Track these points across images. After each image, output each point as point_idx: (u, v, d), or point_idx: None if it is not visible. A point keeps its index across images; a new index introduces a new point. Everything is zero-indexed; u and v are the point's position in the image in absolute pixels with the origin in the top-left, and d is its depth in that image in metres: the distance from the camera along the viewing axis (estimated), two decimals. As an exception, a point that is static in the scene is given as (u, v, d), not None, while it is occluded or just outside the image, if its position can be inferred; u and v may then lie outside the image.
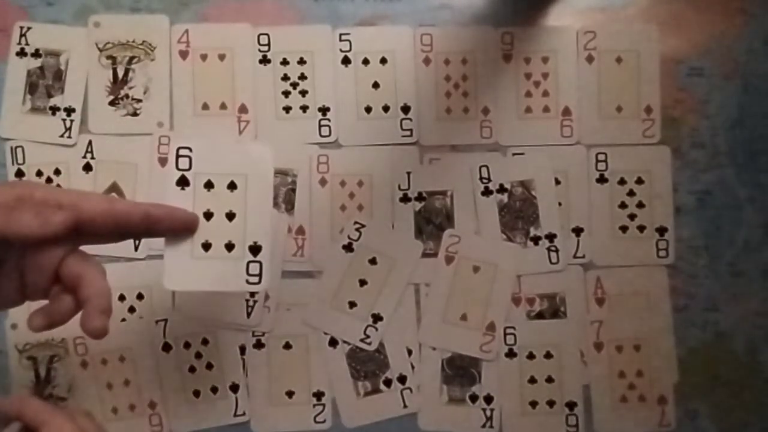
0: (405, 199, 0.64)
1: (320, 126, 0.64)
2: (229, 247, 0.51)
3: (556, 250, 0.64)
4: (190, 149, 0.51)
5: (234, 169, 0.52)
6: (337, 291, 0.63)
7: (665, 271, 0.64)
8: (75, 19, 0.64)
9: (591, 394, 0.63)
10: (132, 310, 0.63)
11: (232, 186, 0.51)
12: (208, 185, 0.51)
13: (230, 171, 0.52)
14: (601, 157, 0.65)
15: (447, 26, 0.65)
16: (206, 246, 0.50)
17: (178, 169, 0.51)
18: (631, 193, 0.65)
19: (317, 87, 0.65)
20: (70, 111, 0.64)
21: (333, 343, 0.63)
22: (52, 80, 0.64)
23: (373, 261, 0.64)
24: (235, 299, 0.63)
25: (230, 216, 0.51)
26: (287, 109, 0.65)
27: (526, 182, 0.64)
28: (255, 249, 0.51)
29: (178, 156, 0.51)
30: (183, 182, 0.51)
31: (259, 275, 0.51)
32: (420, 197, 0.64)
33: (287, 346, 0.63)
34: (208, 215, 0.51)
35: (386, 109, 0.65)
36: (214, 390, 0.63)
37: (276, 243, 0.61)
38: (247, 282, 0.51)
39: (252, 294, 0.63)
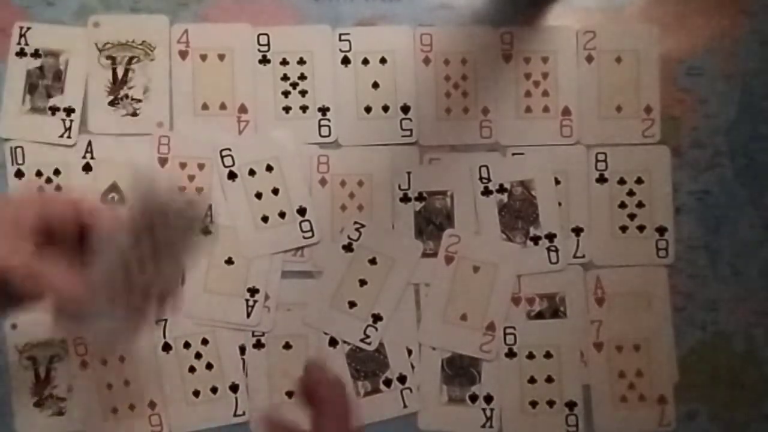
0: (405, 199, 0.64)
1: (320, 126, 0.64)
2: (282, 215, 0.62)
3: (556, 250, 0.64)
4: (229, 149, 0.63)
5: (266, 154, 0.63)
6: (337, 291, 0.63)
7: (665, 271, 0.64)
8: (75, 19, 0.64)
9: (591, 394, 0.63)
10: (132, 310, 0.63)
11: (269, 168, 0.63)
12: (251, 173, 0.63)
13: (264, 157, 0.63)
14: (601, 156, 0.65)
15: (447, 26, 0.65)
16: (264, 219, 0.63)
17: (225, 166, 0.62)
18: (630, 193, 0.65)
19: (317, 87, 0.65)
20: (69, 111, 0.64)
21: (333, 343, 0.63)
22: (51, 80, 0.64)
23: (373, 261, 0.64)
24: (235, 299, 0.63)
25: (275, 191, 0.63)
26: (287, 109, 0.65)
27: (526, 182, 0.64)
28: (302, 211, 0.63)
29: (222, 157, 0.63)
30: (232, 176, 0.63)
31: (311, 230, 0.62)
32: (420, 197, 0.64)
33: (287, 346, 0.63)
34: (259, 195, 0.63)
35: (386, 109, 0.65)
36: (214, 390, 0.63)
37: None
38: (303, 237, 0.63)
39: (252, 294, 0.63)
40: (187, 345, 0.63)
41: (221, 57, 0.65)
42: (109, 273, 0.45)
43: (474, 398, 0.63)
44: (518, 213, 0.64)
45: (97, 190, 0.63)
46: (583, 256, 0.64)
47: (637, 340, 0.64)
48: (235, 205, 0.63)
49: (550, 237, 0.64)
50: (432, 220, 0.64)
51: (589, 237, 0.64)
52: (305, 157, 0.64)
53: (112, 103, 0.64)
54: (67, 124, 0.64)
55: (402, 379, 0.63)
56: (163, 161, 0.64)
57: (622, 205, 0.65)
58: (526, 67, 0.65)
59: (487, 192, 0.64)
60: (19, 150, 0.64)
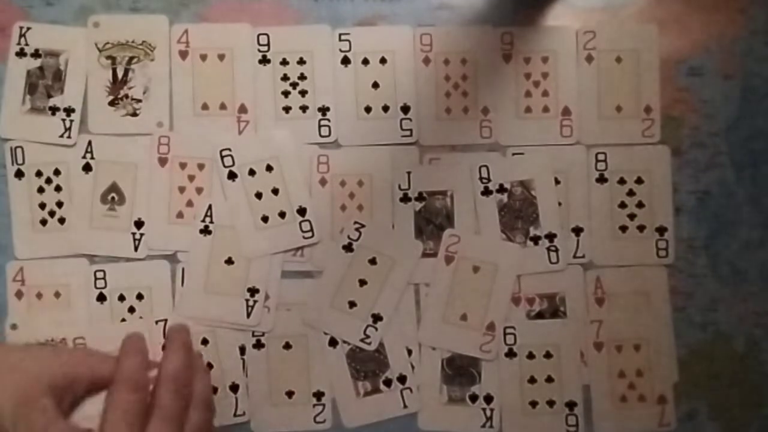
0: (405, 199, 0.64)
1: (320, 126, 0.64)
2: (282, 215, 0.62)
3: (556, 250, 0.64)
4: (229, 149, 0.63)
5: (266, 154, 0.63)
6: (337, 291, 0.63)
7: (665, 271, 0.64)
8: (75, 19, 0.64)
9: (591, 394, 0.63)
10: (132, 310, 0.63)
11: (269, 168, 0.63)
12: (251, 173, 0.62)
13: (264, 157, 0.63)
14: (601, 156, 0.65)
15: (447, 26, 0.65)
16: (264, 219, 0.63)
17: (225, 166, 0.62)
18: (630, 193, 0.65)
19: (317, 87, 0.65)
20: (69, 111, 0.64)
21: (333, 343, 0.63)
22: (51, 80, 0.64)
23: (373, 261, 0.64)
24: (235, 299, 0.63)
25: (275, 191, 0.63)
26: (287, 109, 0.65)
27: (526, 182, 0.64)
28: (302, 211, 0.63)
29: (222, 157, 0.63)
30: (232, 176, 0.62)
31: (311, 230, 0.62)
32: (420, 197, 0.64)
33: (287, 346, 0.63)
34: (259, 195, 0.63)
35: (386, 109, 0.65)
36: (214, 390, 0.63)
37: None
38: (303, 237, 0.63)
39: (252, 294, 0.63)
40: (187, 345, 0.63)
41: (221, 57, 0.65)
42: None
43: (474, 398, 0.63)
44: (518, 213, 0.64)
45: (97, 190, 0.64)
46: (583, 256, 0.64)
47: (637, 340, 0.64)
48: (235, 205, 0.63)
49: (550, 237, 0.64)
50: (432, 220, 0.64)
51: (589, 237, 0.64)
52: (305, 157, 0.64)
53: (112, 103, 0.64)
54: (67, 124, 0.64)
55: (402, 379, 0.63)
56: (163, 161, 0.64)
57: (622, 205, 0.65)
58: (526, 67, 0.65)
59: (487, 192, 0.64)
60: (19, 150, 0.64)
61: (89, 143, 0.64)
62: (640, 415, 0.63)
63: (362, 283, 0.64)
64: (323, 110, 0.64)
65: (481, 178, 0.64)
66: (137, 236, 0.64)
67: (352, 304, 0.63)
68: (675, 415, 0.64)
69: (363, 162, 0.64)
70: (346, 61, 0.65)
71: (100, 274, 0.63)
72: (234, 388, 0.63)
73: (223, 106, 0.64)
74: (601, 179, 0.65)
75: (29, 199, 0.64)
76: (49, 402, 0.48)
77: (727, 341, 0.64)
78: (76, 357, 0.54)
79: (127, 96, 0.64)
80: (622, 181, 0.65)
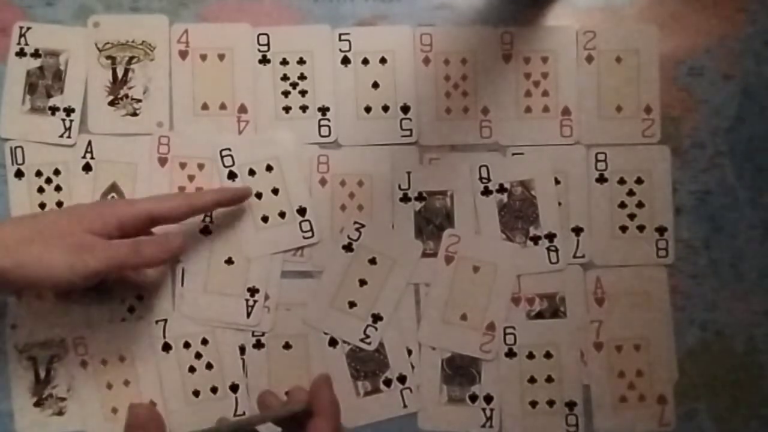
0: (405, 199, 0.64)
1: (320, 126, 0.64)
2: (282, 215, 0.63)
3: (556, 250, 0.64)
4: (229, 149, 0.63)
5: (266, 155, 0.63)
6: (337, 291, 0.63)
7: (665, 271, 0.64)
8: (75, 19, 0.65)
9: (591, 394, 0.63)
10: (132, 310, 0.63)
11: (269, 168, 0.63)
12: (251, 173, 0.63)
13: (264, 158, 0.63)
14: (601, 156, 0.65)
15: (447, 26, 0.65)
16: (264, 219, 0.63)
17: (225, 166, 0.63)
18: (630, 193, 0.65)
19: (317, 87, 0.65)
20: (69, 111, 0.64)
21: (333, 343, 0.63)
22: (51, 80, 0.64)
23: (373, 261, 0.64)
24: (235, 299, 0.63)
25: (275, 191, 0.63)
26: (287, 109, 0.65)
27: (526, 182, 0.64)
28: (301, 211, 0.63)
29: (222, 157, 0.63)
30: (232, 176, 0.63)
31: (311, 230, 0.62)
32: (420, 197, 0.64)
33: (287, 346, 0.63)
34: (259, 195, 0.63)
35: (386, 109, 0.65)
36: (214, 390, 0.63)
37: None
38: (303, 237, 0.63)
39: (252, 294, 0.63)
40: (187, 345, 0.63)
41: (221, 57, 0.65)
42: None
43: (474, 398, 0.63)
44: (518, 213, 0.64)
45: (97, 190, 0.64)
46: (583, 256, 0.64)
47: (637, 340, 0.64)
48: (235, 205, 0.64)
49: (550, 237, 0.64)
50: (432, 220, 0.64)
51: (589, 237, 0.64)
52: (305, 157, 0.64)
53: (112, 103, 0.64)
54: (67, 124, 0.64)
55: (402, 379, 0.63)
56: (163, 161, 0.64)
57: (622, 205, 0.65)
58: (526, 67, 0.65)
59: (487, 192, 0.64)
60: (19, 150, 0.64)
61: (89, 143, 0.64)
62: (640, 415, 0.63)
63: (362, 283, 0.64)
64: (323, 110, 0.64)
65: (481, 178, 0.64)
66: (137, 236, 0.63)
67: (352, 304, 0.63)
68: (675, 415, 0.64)
69: (363, 162, 0.64)
70: (346, 61, 0.65)
71: (100, 274, 0.63)
72: (234, 388, 0.63)
73: (223, 106, 0.65)
74: (601, 179, 0.65)
75: (29, 199, 0.64)
76: (92, 236, 0.55)
77: (727, 341, 0.64)
78: (96, 207, 0.59)
79: (127, 96, 0.64)
80: (622, 181, 0.65)
